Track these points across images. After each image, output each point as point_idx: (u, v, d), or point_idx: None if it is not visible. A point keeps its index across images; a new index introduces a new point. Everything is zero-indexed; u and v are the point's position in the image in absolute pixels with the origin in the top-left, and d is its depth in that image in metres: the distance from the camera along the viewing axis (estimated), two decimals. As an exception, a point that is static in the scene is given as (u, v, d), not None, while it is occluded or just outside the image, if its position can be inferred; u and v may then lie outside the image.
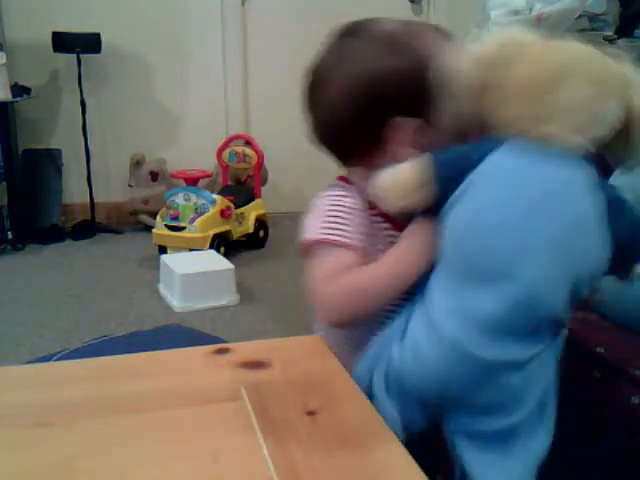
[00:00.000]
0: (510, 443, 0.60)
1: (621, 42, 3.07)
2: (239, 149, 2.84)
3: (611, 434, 0.75)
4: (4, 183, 2.81)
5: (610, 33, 3.09)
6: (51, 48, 2.81)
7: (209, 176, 2.97)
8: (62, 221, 3.04)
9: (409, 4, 3.39)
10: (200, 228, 2.48)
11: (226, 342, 0.67)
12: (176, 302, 2.10)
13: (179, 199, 2.55)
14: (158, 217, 2.59)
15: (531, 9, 2.87)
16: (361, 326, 0.66)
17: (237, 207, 2.68)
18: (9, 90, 2.67)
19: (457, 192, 0.57)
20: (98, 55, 2.90)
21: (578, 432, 0.81)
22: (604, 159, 0.64)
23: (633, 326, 0.82)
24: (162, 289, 2.25)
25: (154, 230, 2.58)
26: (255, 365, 0.57)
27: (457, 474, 0.61)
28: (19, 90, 2.80)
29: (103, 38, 2.86)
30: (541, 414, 0.61)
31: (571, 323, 0.66)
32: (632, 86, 0.59)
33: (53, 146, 3.08)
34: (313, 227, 0.68)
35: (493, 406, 0.59)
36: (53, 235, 2.90)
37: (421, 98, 0.63)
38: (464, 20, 3.25)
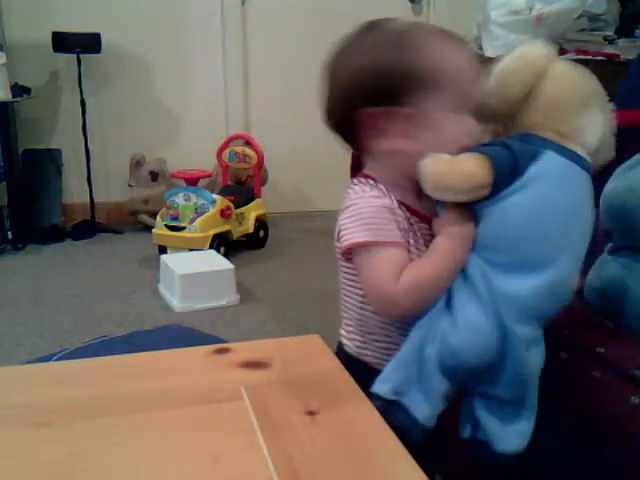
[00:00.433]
0: (521, 407, 0.71)
1: (621, 42, 3.07)
2: (239, 149, 2.84)
3: (611, 434, 0.75)
4: (4, 183, 2.81)
5: (610, 33, 3.09)
6: (51, 48, 2.81)
7: (209, 176, 2.97)
8: (62, 221, 3.04)
9: (409, 4, 3.39)
10: (200, 228, 2.48)
11: (226, 342, 0.67)
12: (176, 302, 2.10)
13: (179, 199, 2.55)
14: (158, 217, 2.59)
15: (531, 9, 2.87)
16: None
17: (237, 207, 2.68)
18: (9, 90, 2.67)
19: (512, 187, 0.64)
20: (98, 55, 2.90)
21: (578, 432, 0.81)
22: None
23: (632, 326, 0.83)
24: (162, 289, 2.25)
25: (154, 230, 2.58)
26: (255, 365, 0.57)
27: (465, 431, 0.71)
28: (19, 90, 2.80)
29: (103, 38, 2.86)
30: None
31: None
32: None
33: (53, 146, 3.08)
34: (357, 230, 0.70)
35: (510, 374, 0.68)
36: (53, 235, 2.90)
37: (411, 91, 0.69)
38: (464, 20, 3.26)
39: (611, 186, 0.92)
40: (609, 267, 0.90)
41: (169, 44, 3.16)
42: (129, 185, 3.12)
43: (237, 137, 2.98)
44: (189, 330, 1.36)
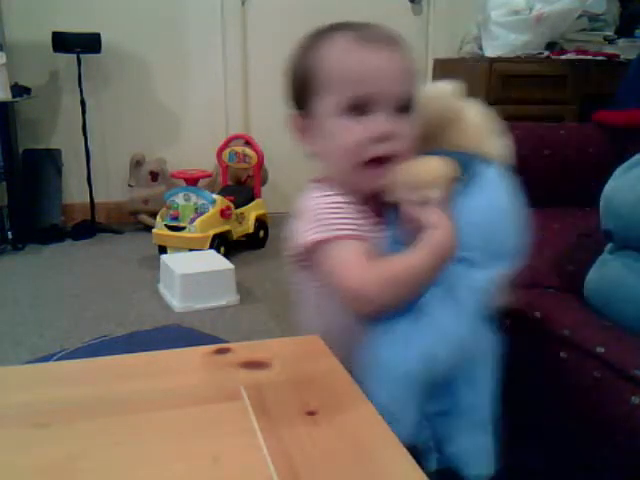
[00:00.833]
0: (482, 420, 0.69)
1: (621, 42, 3.07)
2: (239, 149, 2.84)
3: (611, 434, 0.75)
4: (4, 183, 2.81)
5: (610, 33, 3.10)
6: (51, 48, 2.81)
7: (209, 176, 2.97)
8: (62, 221, 3.04)
9: (409, 4, 3.39)
10: (200, 228, 2.48)
11: (226, 342, 0.67)
12: (176, 302, 2.10)
13: (179, 199, 2.55)
14: (158, 217, 2.59)
15: (531, 9, 2.87)
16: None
17: (237, 207, 2.68)
18: (9, 90, 2.67)
19: (464, 191, 0.69)
20: (98, 55, 2.90)
21: (578, 432, 0.81)
22: None
23: (632, 326, 0.82)
24: (162, 289, 2.25)
25: (154, 230, 2.58)
26: (255, 365, 0.57)
27: (431, 463, 0.68)
28: (19, 90, 2.80)
29: (103, 38, 2.86)
30: None
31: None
32: None
33: (53, 146, 3.08)
34: (314, 228, 0.69)
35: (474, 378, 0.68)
36: (53, 235, 2.90)
37: (307, 95, 0.72)
38: (464, 20, 3.26)
39: (611, 186, 0.92)
40: (609, 267, 0.90)
41: (169, 44, 3.16)
42: (129, 185, 3.12)
43: (237, 137, 2.98)
44: (189, 330, 1.36)
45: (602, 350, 0.78)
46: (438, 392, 0.67)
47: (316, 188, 0.74)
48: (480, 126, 0.77)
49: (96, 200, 3.04)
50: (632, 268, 0.85)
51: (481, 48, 3.08)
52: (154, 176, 3.09)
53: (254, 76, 3.32)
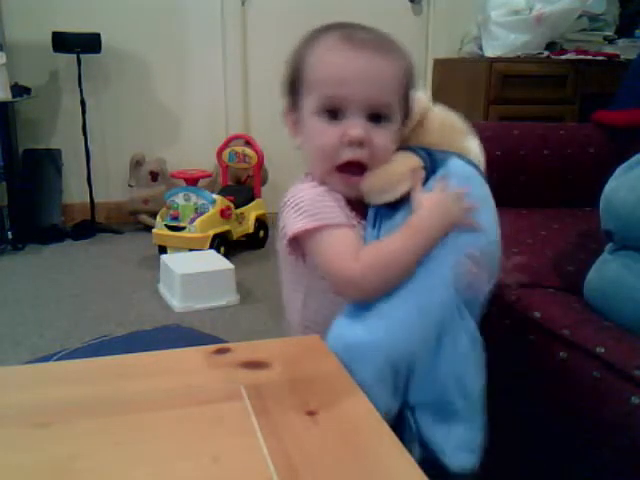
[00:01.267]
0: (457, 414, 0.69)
1: (621, 42, 3.07)
2: (239, 149, 2.83)
3: (611, 434, 0.75)
4: (4, 183, 2.81)
5: (610, 33, 3.10)
6: (51, 48, 2.81)
7: (209, 176, 2.97)
8: (62, 221, 3.04)
9: (409, 4, 3.39)
10: (200, 228, 2.48)
11: (226, 342, 0.67)
12: (176, 302, 2.10)
13: (179, 199, 2.55)
14: (158, 217, 2.59)
15: (531, 9, 2.87)
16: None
17: (237, 207, 2.68)
18: (9, 90, 2.67)
19: (430, 184, 0.72)
20: (98, 55, 2.90)
21: (578, 432, 0.81)
22: None
23: (632, 326, 0.82)
24: (162, 289, 2.25)
25: (154, 230, 2.58)
26: (255, 365, 0.57)
27: (415, 452, 0.68)
28: (19, 90, 2.80)
29: (103, 38, 2.86)
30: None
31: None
32: None
33: (53, 146, 3.08)
34: (304, 218, 0.70)
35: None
36: (53, 235, 2.90)
37: (295, 92, 0.75)
38: (464, 20, 3.26)
39: (611, 186, 0.92)
40: (609, 267, 0.90)
41: (169, 44, 3.16)
42: (129, 185, 3.12)
43: (237, 137, 2.98)
44: (189, 330, 1.36)
45: (602, 350, 0.78)
46: (415, 382, 0.68)
47: (305, 181, 0.76)
48: (448, 126, 0.79)
49: (96, 200, 3.04)
50: (632, 268, 0.85)
51: (481, 48, 3.08)
52: (154, 176, 3.09)
53: (254, 76, 3.32)
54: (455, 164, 0.74)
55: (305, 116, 0.73)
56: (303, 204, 0.71)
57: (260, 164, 2.83)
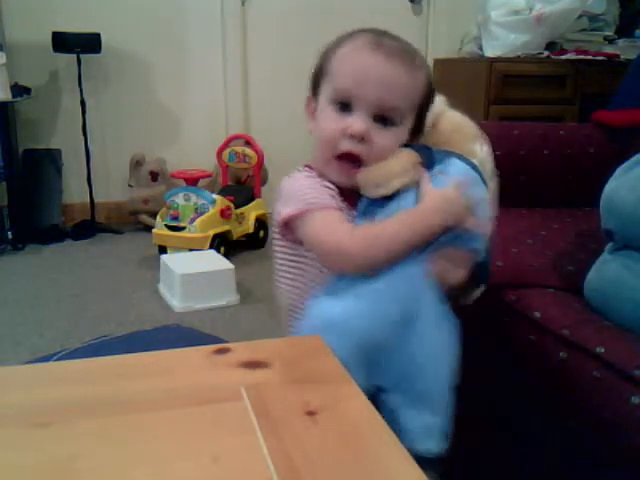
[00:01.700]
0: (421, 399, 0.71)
1: (621, 42, 3.07)
2: (239, 149, 2.84)
3: (611, 434, 0.75)
4: (4, 183, 2.81)
5: (610, 33, 3.10)
6: (51, 48, 2.81)
7: (209, 176, 2.97)
8: (62, 221, 3.04)
9: (409, 4, 3.39)
10: (200, 228, 2.48)
11: (226, 342, 0.67)
12: (176, 302, 2.10)
13: (179, 199, 2.55)
14: (158, 217, 2.59)
15: (531, 9, 2.87)
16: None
17: (237, 207, 2.68)
18: (9, 90, 2.67)
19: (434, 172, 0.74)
20: (98, 55, 2.90)
21: (578, 432, 0.81)
22: None
23: (632, 326, 0.82)
24: (162, 289, 2.25)
25: (154, 230, 2.58)
26: (255, 365, 0.57)
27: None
28: (19, 90, 2.80)
29: (103, 38, 2.86)
30: None
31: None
32: None
33: (53, 146, 3.08)
34: (298, 202, 0.74)
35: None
36: (53, 235, 2.90)
37: (318, 82, 0.79)
38: (464, 20, 3.26)
39: (611, 186, 0.92)
40: (609, 267, 0.90)
41: (169, 44, 3.16)
42: (129, 185, 3.12)
43: (237, 137, 2.98)
44: (189, 330, 1.36)
45: (602, 350, 0.78)
46: (383, 366, 0.69)
47: (300, 171, 0.80)
48: (458, 130, 0.82)
49: (96, 200, 3.04)
50: (632, 268, 0.85)
51: (481, 48, 3.08)
52: (154, 176, 3.09)
53: (254, 76, 3.32)
54: (455, 164, 0.75)
55: (320, 103, 0.78)
56: (294, 191, 0.76)
57: (260, 164, 2.83)
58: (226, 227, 2.59)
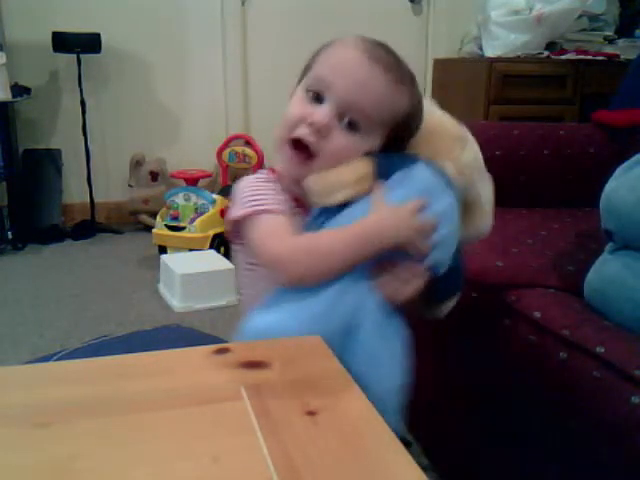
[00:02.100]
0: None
1: (621, 42, 3.07)
2: (239, 149, 2.84)
3: (611, 434, 0.75)
4: (4, 183, 2.81)
5: (610, 33, 3.10)
6: (51, 48, 2.81)
7: (209, 176, 2.97)
8: (62, 221, 3.04)
9: (409, 4, 3.39)
10: (200, 228, 2.48)
11: (226, 342, 0.67)
12: (176, 302, 2.10)
13: (179, 199, 2.55)
14: (158, 217, 2.59)
15: (531, 9, 2.87)
16: None
17: (237, 207, 2.68)
18: (9, 90, 2.67)
19: (390, 183, 0.71)
20: (98, 55, 2.90)
21: (578, 432, 0.81)
22: None
23: (632, 326, 0.82)
24: (162, 289, 2.25)
25: (154, 230, 2.58)
26: (255, 365, 0.57)
27: None
28: (19, 90, 2.80)
29: (103, 38, 2.86)
30: None
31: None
32: None
33: (53, 146, 3.08)
34: (244, 204, 0.74)
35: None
36: (53, 235, 2.90)
37: (304, 71, 0.79)
38: (464, 20, 3.26)
39: (611, 186, 0.92)
40: (609, 267, 0.90)
41: (169, 44, 3.16)
42: (129, 185, 3.12)
43: (237, 137, 2.98)
44: (189, 330, 1.36)
45: (602, 350, 0.78)
46: None
47: (258, 174, 0.80)
48: (438, 134, 0.78)
49: (96, 200, 3.04)
50: (632, 268, 0.85)
51: (481, 48, 3.08)
52: (154, 176, 3.09)
53: (254, 76, 3.32)
54: (418, 172, 0.72)
55: (297, 91, 0.77)
56: (244, 193, 0.75)
57: (260, 164, 2.83)
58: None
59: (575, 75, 2.87)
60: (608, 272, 0.90)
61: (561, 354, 0.83)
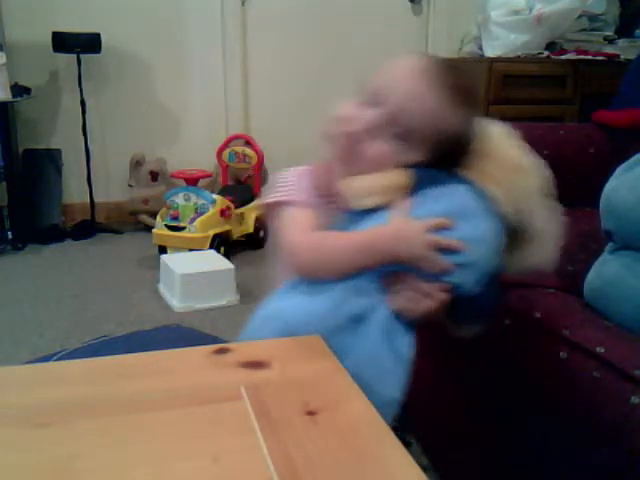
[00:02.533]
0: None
1: (621, 42, 3.07)
2: (239, 149, 2.84)
3: (611, 434, 0.75)
4: (4, 183, 2.81)
5: (610, 33, 3.10)
6: (51, 48, 2.81)
7: (209, 176, 2.97)
8: (62, 221, 3.04)
9: (409, 4, 3.39)
10: (200, 228, 2.48)
11: (226, 342, 0.67)
12: (176, 302, 2.10)
13: (179, 199, 2.55)
14: (158, 217, 2.59)
15: (531, 9, 2.87)
16: None
17: (237, 207, 2.68)
18: (9, 90, 2.67)
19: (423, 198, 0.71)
20: (98, 55, 2.90)
21: (578, 432, 0.81)
22: None
23: (632, 326, 0.82)
24: (162, 289, 2.25)
25: (154, 230, 2.58)
26: (255, 365, 0.57)
27: None
28: (19, 90, 2.80)
29: (103, 38, 2.86)
30: None
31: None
32: None
33: (53, 146, 3.08)
34: (277, 192, 0.80)
35: None
36: (53, 235, 2.90)
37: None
38: (464, 20, 3.26)
39: (611, 186, 0.92)
40: (609, 267, 0.90)
41: (169, 44, 3.16)
42: (129, 185, 3.12)
43: (237, 137, 2.98)
44: (189, 330, 1.36)
45: (602, 350, 0.78)
46: None
47: (295, 167, 0.84)
48: (502, 160, 0.77)
49: (96, 200, 3.04)
50: (632, 268, 0.85)
51: (481, 48, 3.08)
52: (154, 176, 3.09)
53: (254, 76, 3.32)
54: (455, 194, 0.72)
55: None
56: (280, 181, 0.81)
57: (260, 164, 2.83)
58: (226, 227, 2.59)
59: (575, 75, 2.87)
60: (608, 272, 0.90)
61: (561, 354, 0.83)
